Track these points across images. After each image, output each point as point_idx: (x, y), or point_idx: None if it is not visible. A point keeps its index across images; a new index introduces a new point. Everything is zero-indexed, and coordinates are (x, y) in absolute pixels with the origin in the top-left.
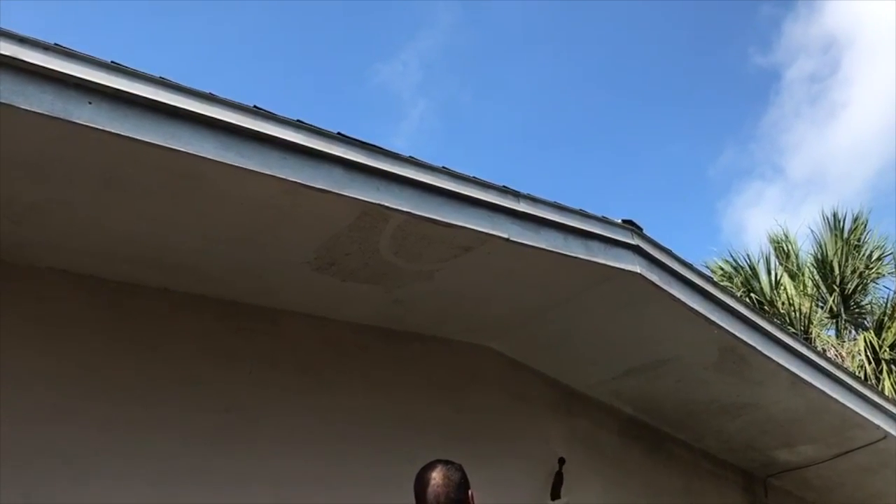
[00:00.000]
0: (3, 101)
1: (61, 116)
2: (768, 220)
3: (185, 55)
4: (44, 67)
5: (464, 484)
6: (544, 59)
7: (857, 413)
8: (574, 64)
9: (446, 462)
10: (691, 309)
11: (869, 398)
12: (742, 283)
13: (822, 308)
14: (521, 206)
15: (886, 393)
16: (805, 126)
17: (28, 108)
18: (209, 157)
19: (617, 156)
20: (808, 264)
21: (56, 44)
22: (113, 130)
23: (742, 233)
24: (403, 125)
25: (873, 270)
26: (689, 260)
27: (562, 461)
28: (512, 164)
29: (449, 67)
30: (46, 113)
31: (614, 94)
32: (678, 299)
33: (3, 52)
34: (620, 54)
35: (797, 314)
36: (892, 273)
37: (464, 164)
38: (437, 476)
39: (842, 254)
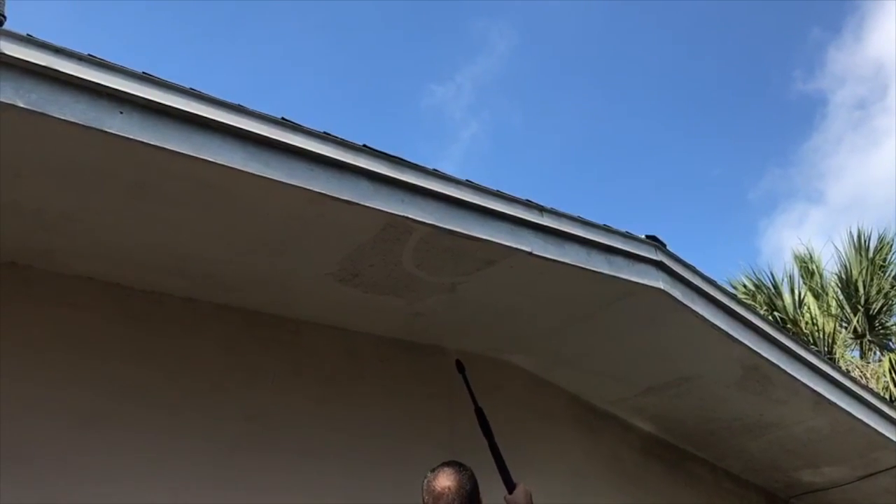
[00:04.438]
0: (37, 109)
1: (93, 125)
2: (807, 242)
3: (240, 75)
4: (77, 77)
5: (475, 491)
6: (594, 84)
7: (882, 435)
8: (622, 89)
9: (458, 467)
10: (714, 326)
11: (895, 420)
12: (765, 301)
13: (846, 328)
14: (545, 220)
15: None
16: (847, 152)
17: (61, 117)
18: (237, 167)
19: (661, 176)
20: (833, 284)
21: (90, 54)
22: (143, 140)
23: (780, 255)
24: (455, 146)
25: None
26: (712, 276)
27: (459, 364)
28: (559, 186)
29: (502, 91)
30: (79, 122)
31: (660, 118)
32: (701, 316)
33: (39, 63)
34: (667, 80)
35: (821, 334)
36: None
37: (512, 186)
38: (450, 485)
39: (867, 273)
